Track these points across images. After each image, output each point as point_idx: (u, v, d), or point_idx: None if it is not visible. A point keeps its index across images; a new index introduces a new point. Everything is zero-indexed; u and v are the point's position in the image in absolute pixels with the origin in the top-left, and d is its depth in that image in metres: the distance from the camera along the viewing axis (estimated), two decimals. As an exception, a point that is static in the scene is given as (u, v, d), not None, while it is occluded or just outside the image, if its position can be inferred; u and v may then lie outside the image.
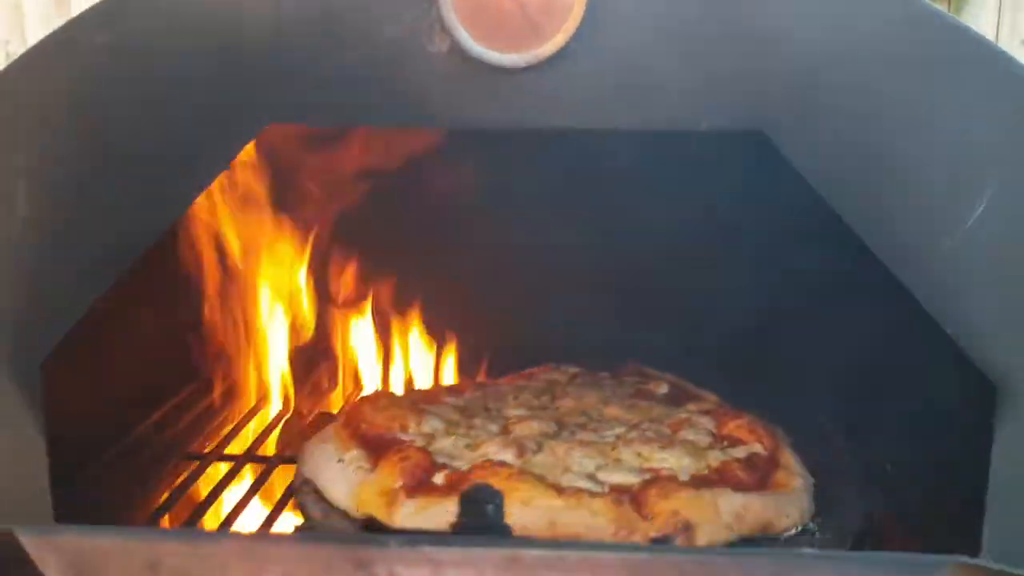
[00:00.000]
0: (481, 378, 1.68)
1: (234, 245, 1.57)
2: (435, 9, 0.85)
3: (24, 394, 0.92)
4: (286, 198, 1.58)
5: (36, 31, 2.90)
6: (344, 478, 1.19)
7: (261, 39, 0.86)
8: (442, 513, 1.09)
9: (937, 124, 0.86)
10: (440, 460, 1.20)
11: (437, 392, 1.47)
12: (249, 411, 1.64)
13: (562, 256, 1.58)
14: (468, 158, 1.41)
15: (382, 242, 1.64)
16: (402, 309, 1.68)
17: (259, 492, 1.34)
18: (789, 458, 1.26)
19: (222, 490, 1.33)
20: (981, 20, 3.70)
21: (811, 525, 1.16)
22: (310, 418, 1.59)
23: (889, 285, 0.93)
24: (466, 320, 1.66)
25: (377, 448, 1.24)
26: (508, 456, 1.19)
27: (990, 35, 3.71)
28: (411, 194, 1.55)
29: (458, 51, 0.86)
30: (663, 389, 1.51)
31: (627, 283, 1.60)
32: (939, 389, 1.06)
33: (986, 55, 0.87)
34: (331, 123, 1.05)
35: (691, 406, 1.42)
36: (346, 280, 1.70)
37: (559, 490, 1.11)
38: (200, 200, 1.58)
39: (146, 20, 0.87)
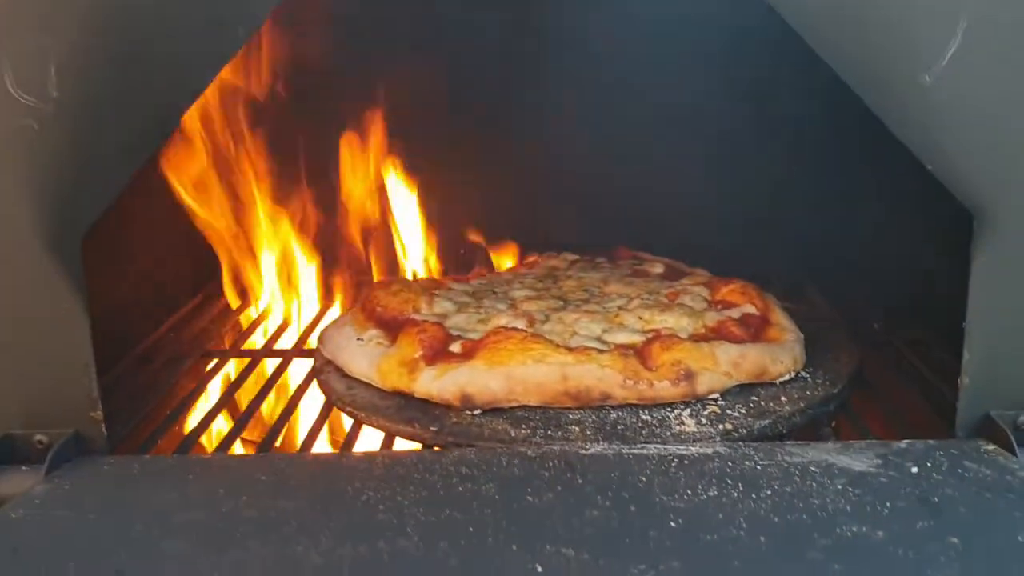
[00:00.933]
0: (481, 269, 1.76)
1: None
2: None
3: (69, 270, 0.97)
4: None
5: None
6: (364, 354, 1.26)
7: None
8: (459, 376, 1.16)
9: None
10: (455, 332, 1.27)
11: (444, 281, 1.53)
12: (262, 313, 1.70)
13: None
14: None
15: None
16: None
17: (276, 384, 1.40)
18: (780, 316, 1.34)
19: (240, 384, 1.39)
20: None
21: (804, 373, 1.24)
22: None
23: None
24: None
25: (393, 327, 1.31)
26: (520, 324, 1.26)
27: None
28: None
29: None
30: (658, 269, 1.58)
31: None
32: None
33: None
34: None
35: (685, 280, 1.49)
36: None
37: (569, 349, 1.18)
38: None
39: None
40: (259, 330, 1.66)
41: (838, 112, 1.21)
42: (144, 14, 0.93)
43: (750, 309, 1.34)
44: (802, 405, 1.16)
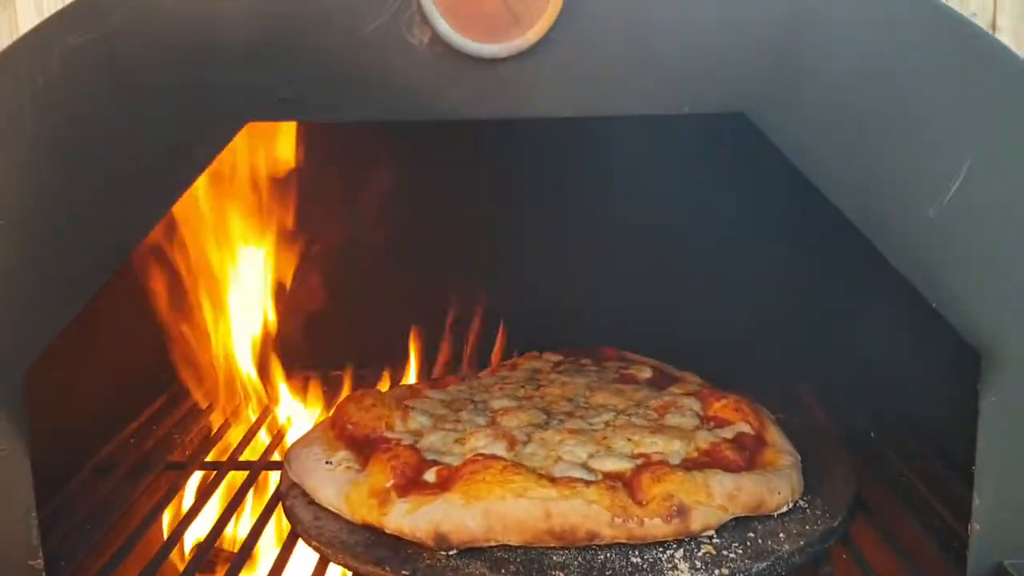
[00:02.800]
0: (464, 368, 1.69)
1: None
2: (415, 1, 0.84)
3: (9, 411, 0.89)
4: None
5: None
6: (333, 480, 1.18)
7: (237, 36, 0.84)
8: (434, 512, 1.08)
9: (919, 102, 0.87)
10: (430, 456, 1.19)
11: (420, 388, 1.46)
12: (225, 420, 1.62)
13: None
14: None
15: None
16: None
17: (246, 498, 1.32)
18: (775, 435, 1.27)
19: (206, 499, 1.31)
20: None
21: (801, 502, 1.17)
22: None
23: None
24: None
25: (365, 448, 1.23)
26: (499, 449, 1.19)
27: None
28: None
29: (439, 42, 0.85)
30: (646, 373, 1.51)
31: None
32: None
33: (963, 35, 0.88)
34: (310, 119, 1.03)
35: (675, 388, 1.42)
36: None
37: (553, 480, 1.11)
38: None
39: (119, 20, 0.85)
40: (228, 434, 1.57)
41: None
42: (95, 138, 0.87)
43: (744, 428, 1.27)
44: (802, 543, 1.08)
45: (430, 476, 1.14)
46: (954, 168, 0.89)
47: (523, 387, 1.45)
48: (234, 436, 1.57)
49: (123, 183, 0.88)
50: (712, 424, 1.29)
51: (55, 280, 0.90)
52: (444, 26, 0.84)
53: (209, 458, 1.46)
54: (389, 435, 1.26)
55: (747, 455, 1.21)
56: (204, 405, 1.65)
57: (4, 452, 0.90)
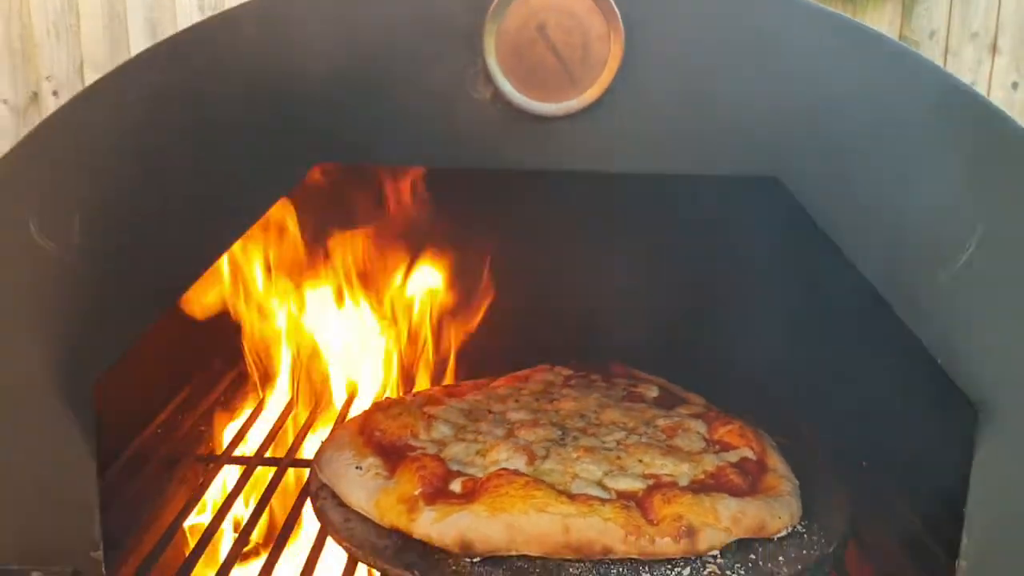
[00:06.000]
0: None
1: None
2: (480, 59, 0.91)
3: (79, 415, 0.96)
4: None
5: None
6: (363, 485, 1.25)
7: (313, 84, 0.90)
8: (460, 521, 1.16)
9: (936, 174, 0.95)
10: (454, 467, 1.27)
11: (439, 395, 1.53)
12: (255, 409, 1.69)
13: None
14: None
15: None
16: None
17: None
18: (777, 461, 1.36)
19: (237, 494, 1.38)
20: (934, 13, 3.85)
21: (799, 527, 1.26)
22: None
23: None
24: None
25: (392, 455, 1.30)
26: (520, 463, 1.27)
27: (942, 29, 3.86)
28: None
29: (500, 99, 0.92)
30: (652, 392, 1.59)
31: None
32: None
33: (977, 111, 0.95)
34: (377, 162, 1.10)
35: (682, 409, 1.50)
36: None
37: (571, 496, 1.19)
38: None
39: (198, 62, 0.91)
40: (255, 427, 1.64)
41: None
42: (170, 181, 0.93)
43: (747, 453, 1.35)
44: (799, 567, 1.17)
45: (456, 486, 1.22)
46: (967, 236, 0.96)
47: (538, 400, 1.53)
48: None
49: (196, 215, 0.95)
50: (718, 447, 1.38)
51: (127, 299, 0.96)
52: (506, 85, 0.91)
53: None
54: (414, 443, 1.33)
55: (750, 480, 1.29)
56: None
57: (75, 452, 0.97)
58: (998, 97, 3.79)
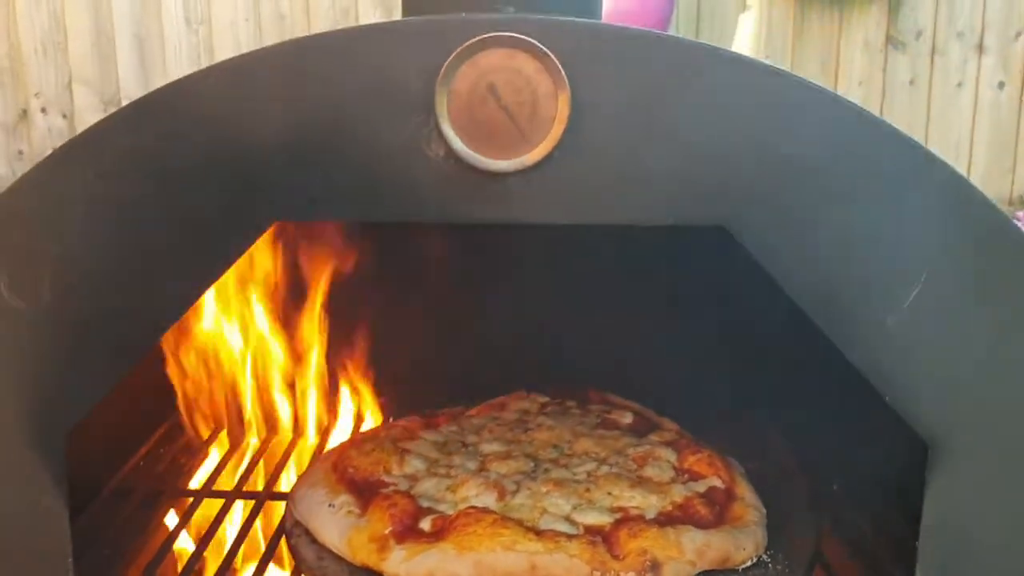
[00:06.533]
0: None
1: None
2: (433, 119, 0.94)
3: (51, 466, 0.98)
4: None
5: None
6: (335, 523, 1.28)
7: (271, 148, 0.93)
8: (429, 560, 1.18)
9: (884, 221, 0.98)
10: (424, 504, 1.29)
11: (415, 427, 1.55)
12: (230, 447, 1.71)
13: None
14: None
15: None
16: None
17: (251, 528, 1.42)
18: (745, 490, 1.38)
19: (217, 527, 1.41)
20: (920, 14, 3.87)
21: (764, 557, 1.28)
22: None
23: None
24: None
25: (364, 492, 1.33)
26: (490, 500, 1.29)
27: (928, 28, 3.87)
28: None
29: (453, 156, 0.94)
30: (627, 419, 1.61)
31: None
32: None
33: (917, 159, 0.98)
34: (333, 219, 1.13)
35: (654, 436, 1.53)
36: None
37: (538, 533, 1.21)
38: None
39: (164, 124, 0.94)
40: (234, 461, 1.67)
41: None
42: (140, 229, 0.96)
43: (716, 482, 1.38)
44: (763, 599, 1.20)
45: (425, 524, 1.25)
46: (912, 281, 0.99)
47: (512, 430, 1.55)
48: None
49: (162, 272, 0.97)
50: (686, 477, 1.40)
51: (96, 353, 0.99)
52: (458, 143, 0.94)
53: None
54: (386, 479, 1.36)
55: (717, 510, 1.31)
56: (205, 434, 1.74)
57: (46, 507, 1.00)
58: (986, 97, 3.82)
